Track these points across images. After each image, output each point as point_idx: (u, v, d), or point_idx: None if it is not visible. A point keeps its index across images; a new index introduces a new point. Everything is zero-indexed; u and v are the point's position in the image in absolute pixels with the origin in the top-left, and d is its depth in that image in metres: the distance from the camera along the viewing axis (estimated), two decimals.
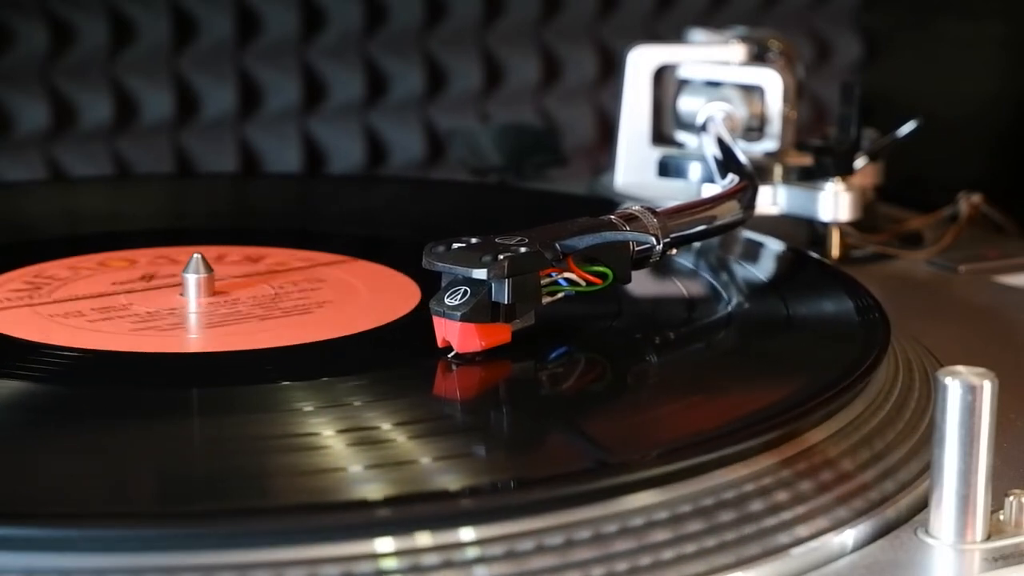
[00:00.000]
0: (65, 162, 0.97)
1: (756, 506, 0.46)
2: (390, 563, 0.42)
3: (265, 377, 0.53)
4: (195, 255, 0.62)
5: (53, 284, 0.64)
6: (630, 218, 0.58)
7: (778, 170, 0.78)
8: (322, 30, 1.04)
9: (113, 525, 0.42)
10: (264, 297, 0.62)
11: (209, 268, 0.62)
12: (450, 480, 0.45)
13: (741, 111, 0.79)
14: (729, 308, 0.62)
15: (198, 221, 0.79)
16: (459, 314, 0.53)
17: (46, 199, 0.83)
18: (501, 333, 0.54)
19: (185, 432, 0.49)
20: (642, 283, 0.63)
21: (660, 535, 0.44)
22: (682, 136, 0.81)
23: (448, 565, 0.42)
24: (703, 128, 0.78)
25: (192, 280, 0.62)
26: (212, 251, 0.67)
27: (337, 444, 0.47)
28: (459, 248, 0.54)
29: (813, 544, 0.46)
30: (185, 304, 0.61)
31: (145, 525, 0.42)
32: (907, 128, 0.79)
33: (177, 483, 0.45)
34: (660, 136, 0.82)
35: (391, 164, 1.07)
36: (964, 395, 0.45)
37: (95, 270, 0.66)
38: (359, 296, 0.63)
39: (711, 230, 0.62)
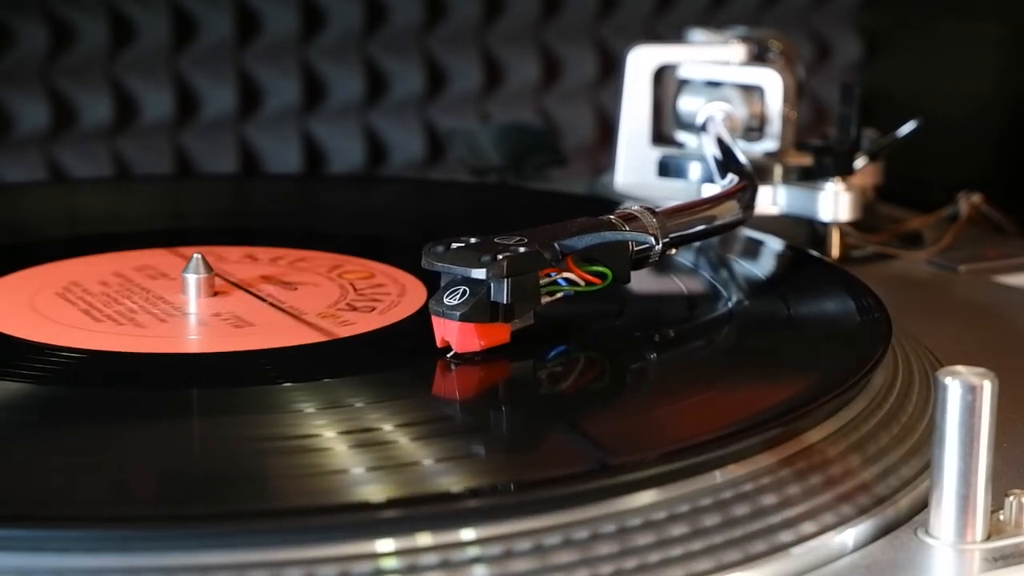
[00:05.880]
0: (65, 162, 0.97)
1: (755, 505, 0.46)
2: (391, 563, 0.42)
3: (266, 378, 0.53)
4: (195, 255, 0.62)
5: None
6: (629, 218, 0.58)
7: (778, 170, 0.78)
8: (322, 30, 1.04)
9: (113, 525, 0.42)
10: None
11: (209, 268, 0.62)
12: (451, 481, 0.45)
13: (741, 111, 0.79)
14: (730, 307, 0.62)
15: (198, 221, 0.79)
16: (458, 314, 0.53)
17: (46, 199, 0.83)
18: (500, 333, 0.54)
19: (185, 432, 0.49)
20: (642, 282, 0.63)
21: (660, 534, 0.44)
22: (682, 136, 0.81)
23: (448, 565, 0.42)
24: (703, 128, 0.78)
25: (192, 280, 0.62)
26: (212, 251, 0.67)
27: (337, 445, 0.47)
28: (458, 248, 0.54)
29: (813, 544, 0.46)
30: (185, 304, 0.61)
31: (145, 525, 0.42)
32: (907, 128, 0.79)
33: (177, 483, 0.45)
34: (660, 136, 0.82)
35: (391, 164, 1.07)
36: (964, 395, 0.45)
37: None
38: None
39: (710, 230, 0.62)
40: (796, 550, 0.45)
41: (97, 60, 0.97)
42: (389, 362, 0.56)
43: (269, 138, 1.04)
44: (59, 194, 0.86)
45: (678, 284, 0.65)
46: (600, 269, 0.56)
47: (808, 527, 0.46)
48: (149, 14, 0.98)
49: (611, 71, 1.10)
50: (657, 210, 0.59)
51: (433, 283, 0.55)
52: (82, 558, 0.41)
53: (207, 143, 1.02)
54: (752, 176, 0.67)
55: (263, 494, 0.44)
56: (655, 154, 0.81)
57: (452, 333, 0.54)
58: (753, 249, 0.70)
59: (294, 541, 0.42)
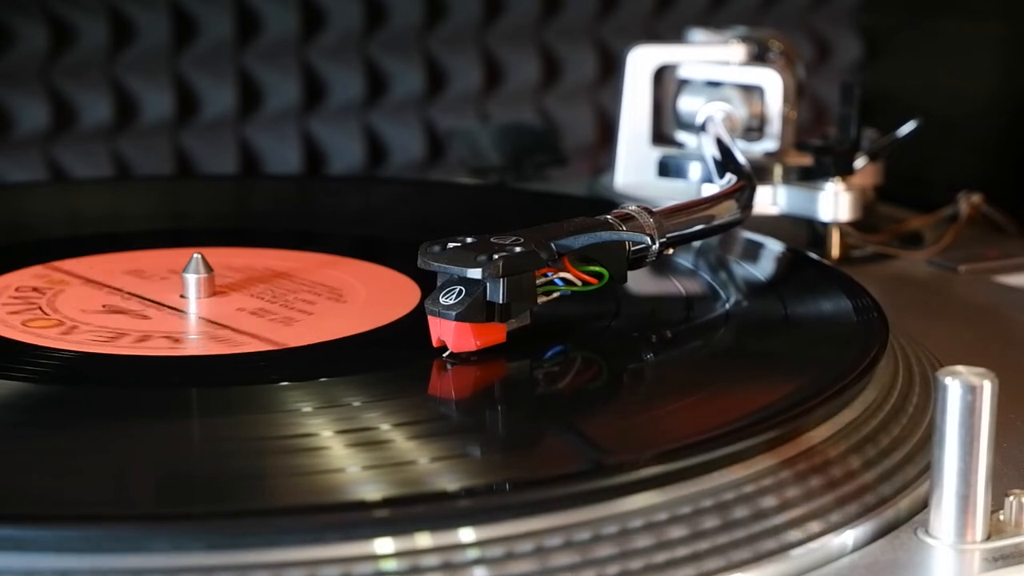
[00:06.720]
0: (65, 162, 0.97)
1: (755, 506, 0.46)
2: (389, 564, 0.42)
3: (264, 377, 0.53)
4: (195, 255, 0.62)
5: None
6: (626, 218, 0.58)
7: (778, 170, 0.78)
8: (322, 30, 1.04)
9: (113, 525, 0.42)
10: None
11: (209, 268, 0.62)
12: (447, 481, 0.45)
13: (741, 111, 0.79)
14: (727, 308, 0.62)
15: (198, 221, 0.79)
16: (454, 314, 0.53)
17: (46, 199, 0.83)
18: (496, 333, 0.54)
19: (185, 432, 0.49)
20: (640, 283, 0.63)
21: (659, 536, 0.44)
22: (682, 136, 0.81)
23: (446, 566, 0.42)
24: (703, 128, 0.78)
25: (192, 280, 0.62)
26: (212, 251, 0.67)
27: (334, 444, 0.47)
28: (454, 248, 0.54)
29: (813, 544, 0.46)
30: (185, 304, 0.61)
31: (145, 525, 0.42)
32: (907, 128, 0.79)
33: (177, 484, 0.45)
34: (660, 136, 0.82)
35: (391, 164, 1.07)
36: (964, 395, 0.45)
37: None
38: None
39: (708, 230, 0.62)
40: (796, 551, 0.45)
41: (97, 60, 0.97)
42: (385, 362, 0.56)
43: (269, 138, 1.04)
44: (59, 194, 0.86)
45: (676, 285, 0.65)
46: (597, 269, 0.56)
47: (808, 527, 0.46)
48: (149, 14, 0.98)
49: (611, 71, 1.10)
50: (654, 210, 0.59)
51: (429, 283, 0.55)
52: (82, 558, 0.41)
53: (207, 143, 1.02)
54: (750, 176, 0.67)
55: (261, 494, 0.44)
56: (655, 154, 0.81)
57: (448, 333, 0.53)
58: (750, 250, 0.70)
59: (293, 541, 0.42)
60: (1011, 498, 0.47)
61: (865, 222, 0.79)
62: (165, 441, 0.48)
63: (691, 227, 0.61)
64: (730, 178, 0.67)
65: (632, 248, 0.57)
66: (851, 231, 0.78)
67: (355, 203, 0.83)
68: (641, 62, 0.82)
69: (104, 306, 0.61)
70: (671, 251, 0.59)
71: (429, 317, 0.54)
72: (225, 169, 1.02)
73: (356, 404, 0.51)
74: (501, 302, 0.53)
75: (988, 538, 0.46)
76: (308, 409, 0.50)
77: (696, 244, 0.67)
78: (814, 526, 0.46)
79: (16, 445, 0.48)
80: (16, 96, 0.95)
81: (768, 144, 0.79)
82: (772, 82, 0.78)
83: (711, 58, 0.81)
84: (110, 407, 0.51)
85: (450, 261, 0.54)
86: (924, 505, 0.47)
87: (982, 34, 1.14)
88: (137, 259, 0.68)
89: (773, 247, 0.70)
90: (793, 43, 0.85)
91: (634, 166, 0.82)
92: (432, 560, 0.42)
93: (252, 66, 1.02)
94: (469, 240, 0.55)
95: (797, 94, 0.80)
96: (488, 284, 0.53)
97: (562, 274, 0.55)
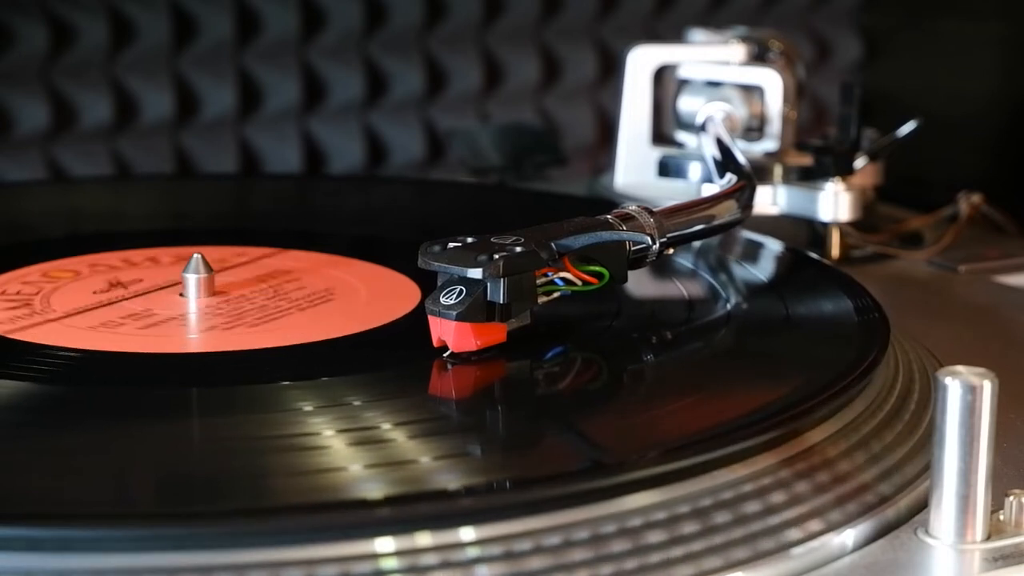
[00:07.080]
0: (65, 162, 0.97)
1: (755, 506, 0.46)
2: (389, 563, 0.42)
3: (265, 377, 0.53)
4: (195, 255, 0.62)
5: (53, 286, 0.64)
6: (626, 217, 0.58)
7: (778, 170, 0.78)
8: (322, 30, 1.04)
9: (113, 525, 0.42)
10: (264, 297, 0.62)
11: (209, 268, 0.62)
12: (448, 480, 0.45)
13: (741, 111, 0.79)
14: (728, 308, 0.62)
15: (198, 221, 0.79)
16: (454, 313, 0.53)
17: (46, 199, 0.83)
18: (496, 333, 0.54)
19: (185, 432, 0.49)
20: (641, 283, 0.63)
21: (659, 535, 0.44)
22: (682, 136, 0.81)
23: (446, 565, 0.42)
24: (703, 128, 0.78)
25: (192, 280, 0.62)
26: (212, 251, 0.67)
27: (334, 444, 0.47)
28: (455, 247, 0.54)
29: (813, 544, 0.46)
30: (185, 304, 0.61)
31: (145, 525, 0.42)
32: (907, 128, 0.79)
33: (176, 483, 0.45)
34: (660, 136, 0.82)
35: (391, 164, 1.07)
36: (964, 395, 0.45)
37: (94, 271, 0.66)
38: (358, 296, 0.63)
39: (708, 230, 0.62)
40: (796, 550, 0.45)
41: (97, 60, 0.97)
42: (386, 361, 0.56)
43: (269, 138, 1.04)
44: (59, 194, 0.86)
45: (676, 285, 0.65)
46: (597, 269, 0.56)
47: (808, 527, 0.46)
48: (149, 14, 0.98)
49: (611, 71, 1.10)
50: (655, 210, 0.59)
51: (431, 283, 0.55)
52: (82, 558, 0.41)
53: (207, 143, 1.02)
54: (750, 176, 0.67)
55: (262, 493, 0.44)
56: (655, 154, 0.81)
57: (448, 333, 0.53)
58: (752, 251, 0.70)
59: (293, 540, 0.42)
60: (1011, 498, 0.47)
61: (865, 222, 0.79)
62: (165, 441, 0.48)
63: (691, 227, 0.61)
64: (730, 178, 0.67)
65: (632, 248, 0.57)
66: (851, 231, 0.78)
67: (355, 203, 0.83)
68: (641, 62, 0.82)
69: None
70: (671, 251, 0.59)
71: (429, 317, 0.54)
72: (225, 169, 1.02)
73: (356, 403, 0.51)
74: (501, 302, 0.53)
75: (988, 538, 0.46)
76: (308, 408, 0.50)
77: (696, 244, 0.67)
78: (814, 525, 0.46)
79: (16, 445, 0.48)
80: (16, 96, 0.95)
81: (768, 144, 0.79)
82: (772, 82, 0.78)
83: (711, 58, 0.81)
84: (110, 407, 0.51)
85: (450, 261, 0.54)
86: (924, 505, 0.47)
87: (982, 34, 1.14)
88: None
89: (773, 247, 0.70)
90: (793, 43, 0.85)
91: (634, 166, 0.82)
92: (432, 559, 0.42)
93: (252, 66, 1.02)
94: (469, 240, 0.55)
95: (797, 94, 0.80)
96: (488, 284, 0.53)
97: (562, 274, 0.55)
